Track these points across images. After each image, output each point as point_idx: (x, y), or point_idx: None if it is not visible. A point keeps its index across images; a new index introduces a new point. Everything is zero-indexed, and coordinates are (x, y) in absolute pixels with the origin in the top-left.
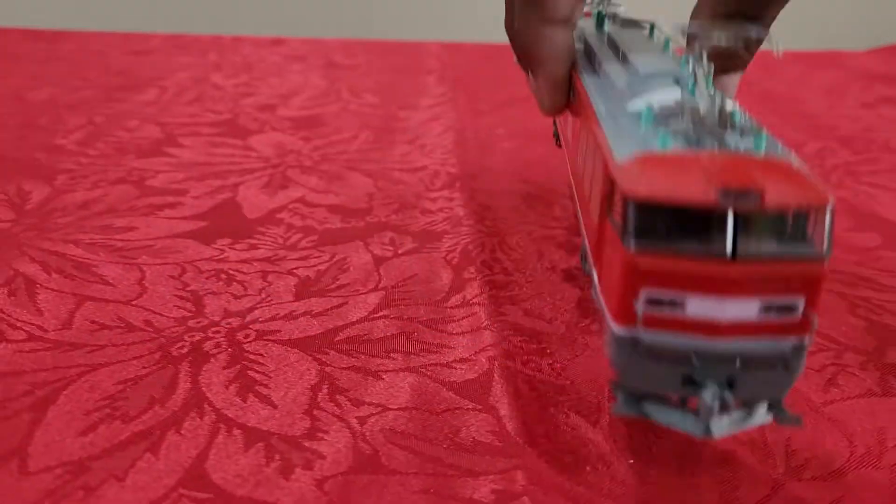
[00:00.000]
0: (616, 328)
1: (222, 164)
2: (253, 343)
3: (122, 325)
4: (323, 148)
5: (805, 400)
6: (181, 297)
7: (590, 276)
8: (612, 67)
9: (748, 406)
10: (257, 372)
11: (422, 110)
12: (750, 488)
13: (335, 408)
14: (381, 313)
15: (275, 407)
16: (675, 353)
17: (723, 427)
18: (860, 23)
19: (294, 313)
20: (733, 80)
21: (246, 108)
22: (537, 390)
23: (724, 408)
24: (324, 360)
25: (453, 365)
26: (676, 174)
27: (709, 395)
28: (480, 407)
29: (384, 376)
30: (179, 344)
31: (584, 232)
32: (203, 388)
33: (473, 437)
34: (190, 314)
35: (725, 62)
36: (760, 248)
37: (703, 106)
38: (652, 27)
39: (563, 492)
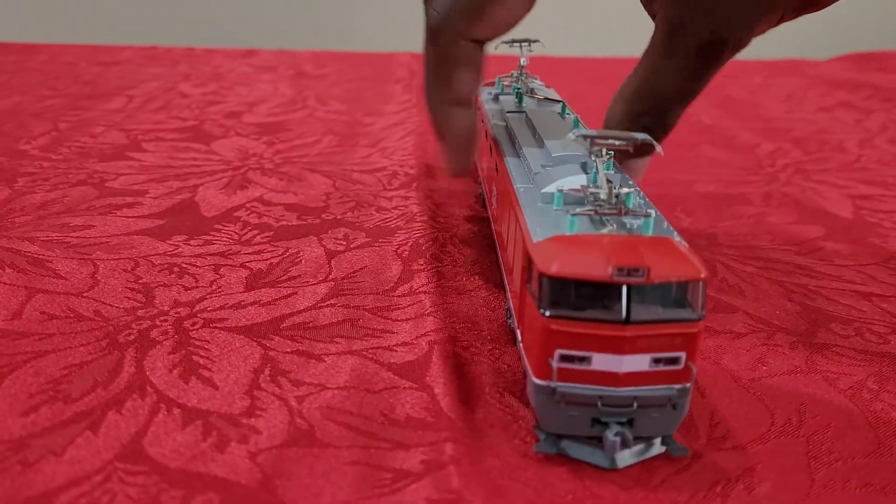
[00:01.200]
0: (536, 380)
1: (184, 167)
2: (199, 330)
3: (71, 315)
4: (285, 152)
5: (733, 378)
6: (132, 290)
7: (514, 331)
8: (529, 150)
9: (646, 440)
10: (202, 357)
11: (386, 116)
12: (669, 458)
13: (276, 388)
14: (328, 302)
15: (216, 388)
16: (584, 400)
17: (625, 459)
18: (823, 32)
19: (243, 303)
20: (642, 162)
21: (212, 115)
22: (474, 373)
23: (624, 443)
24: (268, 345)
25: (394, 348)
26: (581, 253)
27: (611, 433)
28: (417, 386)
29: (326, 359)
30: (127, 332)
31: (508, 292)
32: (147, 372)
33: (408, 414)
34: (140, 304)
35: (638, 149)
36: (649, 314)
37: (603, 192)
38: (564, 106)
39: (489, 460)
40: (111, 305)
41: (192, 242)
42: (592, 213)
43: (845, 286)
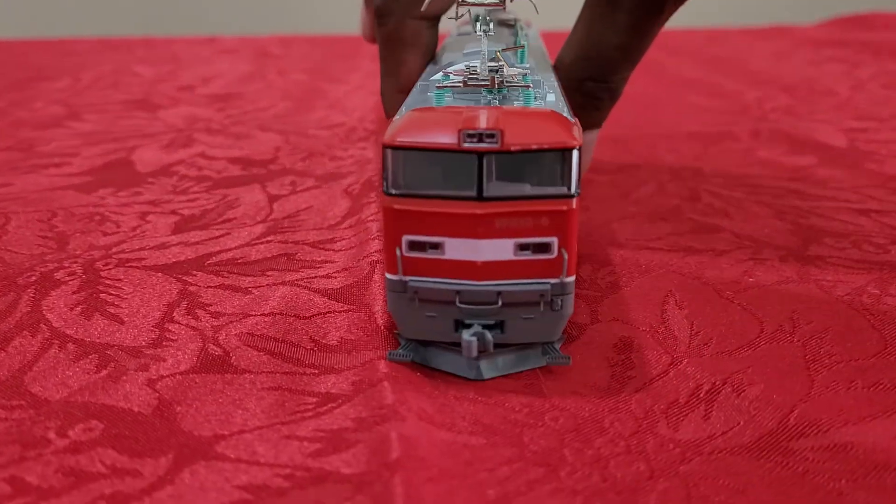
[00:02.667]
0: (387, 275)
1: (123, 132)
2: (112, 270)
3: None
4: (237, 116)
5: (716, 290)
6: (44, 237)
7: None
8: (451, 54)
9: (522, 349)
10: (110, 294)
11: (350, 83)
12: (644, 367)
13: (191, 320)
14: (264, 239)
15: (122, 323)
16: (439, 296)
17: (495, 369)
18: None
19: (166, 244)
20: (591, 136)
21: (163, 90)
22: None
23: (484, 346)
24: (189, 280)
25: (333, 275)
26: (435, 125)
27: (468, 333)
28: (354, 307)
29: (254, 291)
30: (28, 274)
31: None
32: (44, 311)
33: (342, 337)
34: (50, 251)
35: (582, 120)
36: (507, 190)
37: (482, 70)
38: (518, 27)
39: (424, 375)
40: (16, 252)
41: (119, 194)
42: (461, 84)
43: (841, 205)
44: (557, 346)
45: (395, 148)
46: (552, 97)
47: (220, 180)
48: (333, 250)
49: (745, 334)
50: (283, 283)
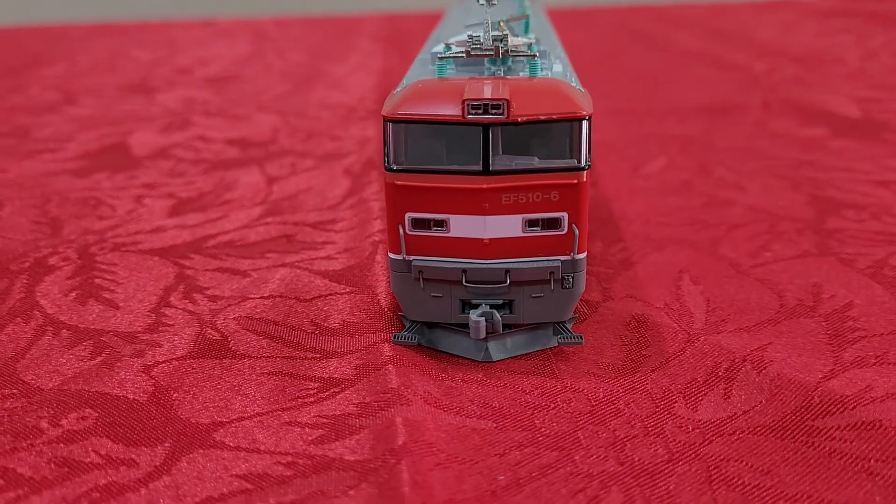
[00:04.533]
0: (390, 254)
1: (119, 116)
2: (108, 254)
3: None
4: (235, 98)
5: (732, 265)
6: (38, 223)
7: None
8: (453, 25)
9: (532, 329)
10: (105, 279)
11: (350, 62)
12: (660, 345)
13: (188, 304)
14: (263, 221)
15: (117, 308)
16: (444, 275)
17: (504, 350)
18: None
19: (163, 227)
20: None
21: (160, 73)
22: None
23: (493, 327)
24: (186, 264)
25: (335, 256)
26: (437, 97)
27: (475, 314)
28: (356, 289)
29: (252, 273)
30: (21, 260)
31: None
32: (38, 298)
33: (344, 320)
34: (44, 236)
35: None
36: (514, 163)
37: (486, 39)
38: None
39: (430, 358)
40: (10, 238)
41: (115, 178)
42: (463, 55)
43: (858, 176)
44: (569, 325)
45: (397, 121)
46: (559, 67)
47: (218, 163)
48: (334, 231)
49: (763, 310)
50: (283, 265)
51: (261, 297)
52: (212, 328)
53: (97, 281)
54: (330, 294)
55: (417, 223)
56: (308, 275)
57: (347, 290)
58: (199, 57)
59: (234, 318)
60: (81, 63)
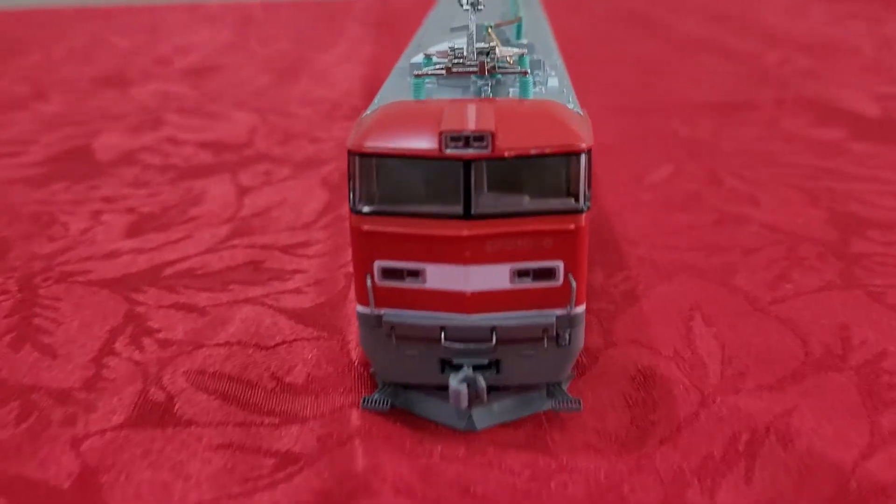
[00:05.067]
0: (358, 307)
1: (88, 114)
2: (52, 287)
3: None
4: (213, 92)
5: (748, 300)
6: None
7: None
8: (434, 30)
9: (523, 391)
10: (46, 318)
11: (337, 50)
12: (670, 408)
13: (134, 351)
14: (229, 243)
15: (54, 357)
16: (420, 332)
17: (490, 417)
18: None
19: (118, 252)
20: None
21: (138, 63)
22: None
23: (477, 394)
24: (138, 299)
25: (304, 290)
26: (412, 126)
27: (456, 379)
28: (324, 334)
29: (211, 311)
30: None
31: None
32: None
33: (308, 373)
34: None
35: None
36: (501, 205)
37: (470, 52)
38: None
39: (404, 426)
40: None
41: (74, 189)
42: (443, 72)
43: (882, 187)
44: (565, 385)
45: (364, 155)
46: (555, 82)
47: (187, 170)
48: (306, 256)
49: (786, 360)
50: (246, 301)
51: (216, 344)
52: (156, 386)
53: (37, 321)
54: (296, 339)
55: (388, 273)
56: (272, 314)
57: (315, 334)
58: (181, 45)
59: (183, 373)
60: (57, 52)
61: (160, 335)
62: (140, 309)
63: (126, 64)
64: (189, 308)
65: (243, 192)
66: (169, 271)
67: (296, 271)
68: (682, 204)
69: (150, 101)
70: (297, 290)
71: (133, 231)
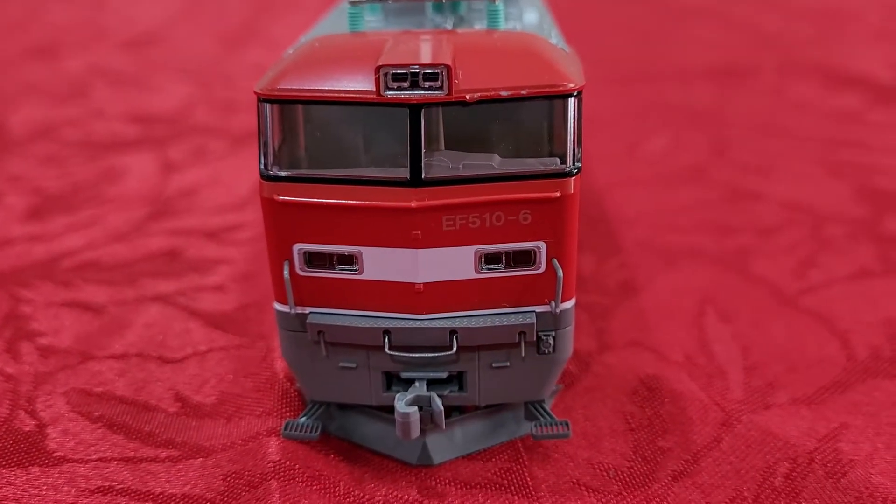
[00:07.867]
0: (276, 305)
1: (10, 87)
2: None
3: None
4: (154, 62)
5: (769, 291)
6: None
7: None
8: None
9: (493, 413)
10: None
11: (296, 15)
12: (684, 431)
13: (9, 361)
14: (145, 229)
15: None
16: (359, 340)
17: (450, 448)
18: None
19: (11, 239)
20: None
21: (73, 35)
22: None
23: (433, 418)
24: (26, 296)
25: (227, 286)
26: (340, 63)
27: (404, 399)
28: (245, 341)
29: (110, 310)
30: None
31: None
32: None
33: (223, 391)
34: None
35: None
36: (462, 166)
37: None
38: None
39: (337, 460)
40: None
41: None
42: (399, 7)
43: None
44: (549, 403)
45: (277, 101)
46: (533, 16)
47: (110, 145)
48: (233, 244)
49: (825, 365)
50: (155, 299)
51: (110, 356)
52: (27, 411)
53: None
54: (209, 350)
55: (313, 259)
56: (185, 317)
57: (234, 342)
58: (126, 16)
59: (63, 393)
60: None
61: (43, 341)
62: (25, 308)
63: (62, 35)
64: (84, 307)
65: (170, 168)
66: (68, 262)
67: (219, 262)
68: (685, 177)
69: (83, 74)
70: (219, 287)
71: (33, 215)
